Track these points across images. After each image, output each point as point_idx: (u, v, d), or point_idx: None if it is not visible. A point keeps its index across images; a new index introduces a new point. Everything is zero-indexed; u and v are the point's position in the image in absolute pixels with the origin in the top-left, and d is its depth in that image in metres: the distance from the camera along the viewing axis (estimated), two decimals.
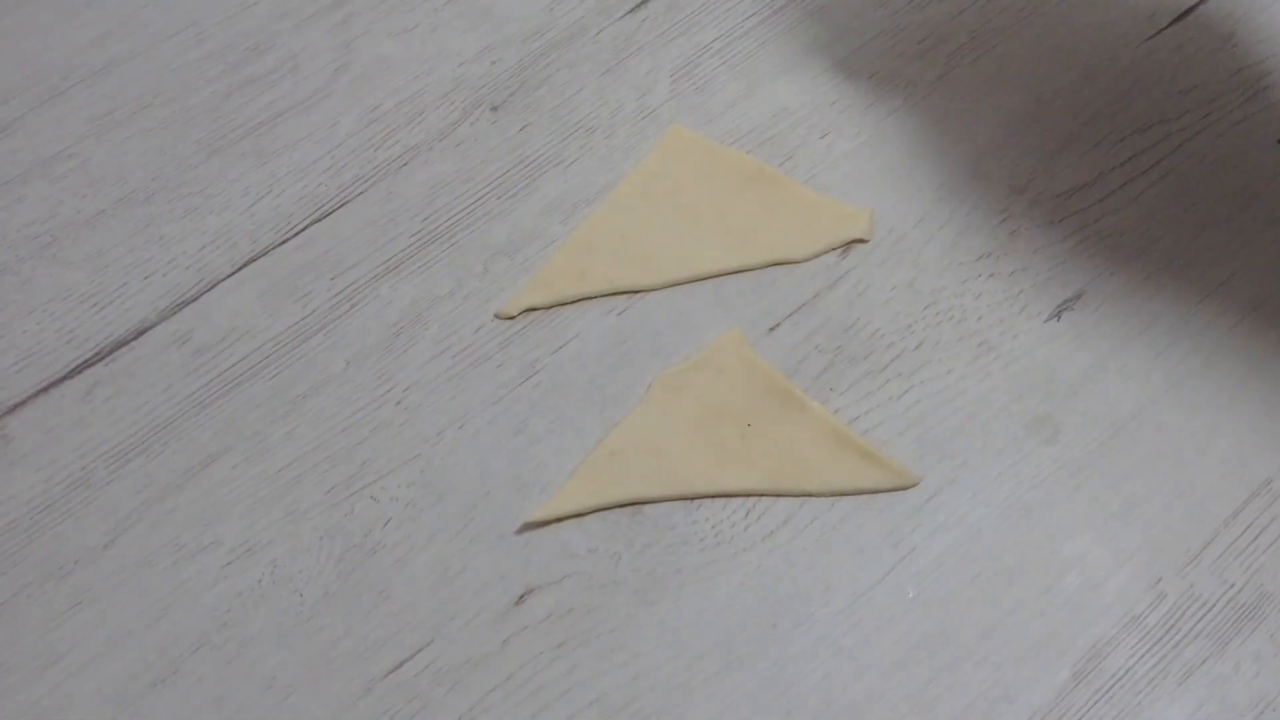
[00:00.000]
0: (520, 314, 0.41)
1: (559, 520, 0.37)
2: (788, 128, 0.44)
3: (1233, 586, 0.36)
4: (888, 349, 0.40)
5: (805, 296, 0.41)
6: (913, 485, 0.37)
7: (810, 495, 0.37)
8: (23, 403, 0.40)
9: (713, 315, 0.41)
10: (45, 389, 0.40)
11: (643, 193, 0.43)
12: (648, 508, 0.38)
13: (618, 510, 0.38)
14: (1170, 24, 0.46)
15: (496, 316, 0.41)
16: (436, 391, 0.40)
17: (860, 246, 0.42)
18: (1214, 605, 0.35)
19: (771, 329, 0.41)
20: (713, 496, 0.38)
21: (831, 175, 0.43)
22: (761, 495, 0.38)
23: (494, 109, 0.46)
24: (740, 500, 0.38)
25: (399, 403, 0.40)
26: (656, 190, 0.43)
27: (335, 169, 0.44)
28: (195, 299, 0.42)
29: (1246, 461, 0.37)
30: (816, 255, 0.42)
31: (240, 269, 0.42)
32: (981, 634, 0.35)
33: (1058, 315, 0.40)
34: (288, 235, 0.43)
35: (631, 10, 0.48)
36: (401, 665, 0.36)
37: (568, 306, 0.41)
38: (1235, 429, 0.38)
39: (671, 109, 0.45)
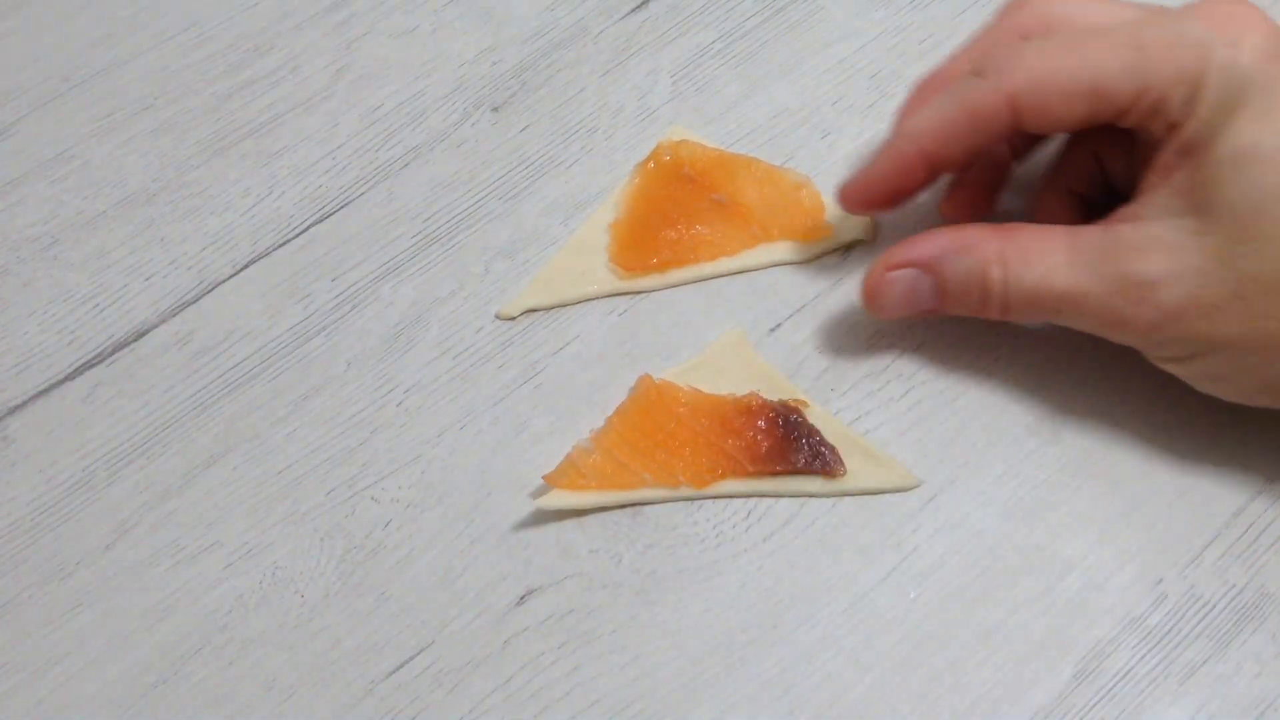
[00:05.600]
0: (521, 315, 0.41)
1: (562, 518, 0.37)
2: (788, 128, 0.44)
3: (1234, 587, 0.36)
4: (888, 349, 0.40)
5: (807, 297, 0.41)
6: (914, 486, 0.37)
7: (811, 496, 0.37)
8: (23, 404, 0.40)
9: (714, 316, 0.41)
10: (46, 390, 0.40)
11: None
12: (648, 508, 0.38)
13: (618, 511, 0.38)
14: None
15: (497, 317, 0.41)
16: (437, 392, 0.40)
17: (861, 247, 0.42)
18: (1215, 605, 0.35)
19: (773, 330, 0.41)
20: (714, 497, 0.38)
21: (832, 175, 0.43)
22: (762, 496, 0.38)
23: (495, 110, 0.46)
24: (741, 501, 0.38)
25: (400, 404, 0.40)
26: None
27: (336, 170, 0.44)
28: (196, 300, 0.42)
29: (1248, 461, 0.37)
30: (818, 256, 0.42)
31: (241, 270, 0.43)
32: (983, 634, 0.35)
33: None
34: (289, 236, 0.43)
35: (632, 11, 0.48)
36: (402, 666, 0.36)
37: (568, 307, 0.41)
38: (1237, 429, 0.38)
39: (672, 109, 0.45)
